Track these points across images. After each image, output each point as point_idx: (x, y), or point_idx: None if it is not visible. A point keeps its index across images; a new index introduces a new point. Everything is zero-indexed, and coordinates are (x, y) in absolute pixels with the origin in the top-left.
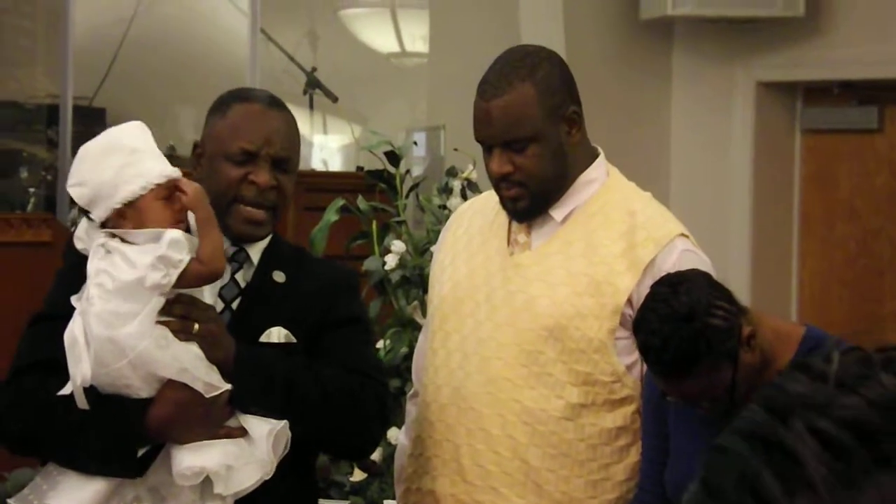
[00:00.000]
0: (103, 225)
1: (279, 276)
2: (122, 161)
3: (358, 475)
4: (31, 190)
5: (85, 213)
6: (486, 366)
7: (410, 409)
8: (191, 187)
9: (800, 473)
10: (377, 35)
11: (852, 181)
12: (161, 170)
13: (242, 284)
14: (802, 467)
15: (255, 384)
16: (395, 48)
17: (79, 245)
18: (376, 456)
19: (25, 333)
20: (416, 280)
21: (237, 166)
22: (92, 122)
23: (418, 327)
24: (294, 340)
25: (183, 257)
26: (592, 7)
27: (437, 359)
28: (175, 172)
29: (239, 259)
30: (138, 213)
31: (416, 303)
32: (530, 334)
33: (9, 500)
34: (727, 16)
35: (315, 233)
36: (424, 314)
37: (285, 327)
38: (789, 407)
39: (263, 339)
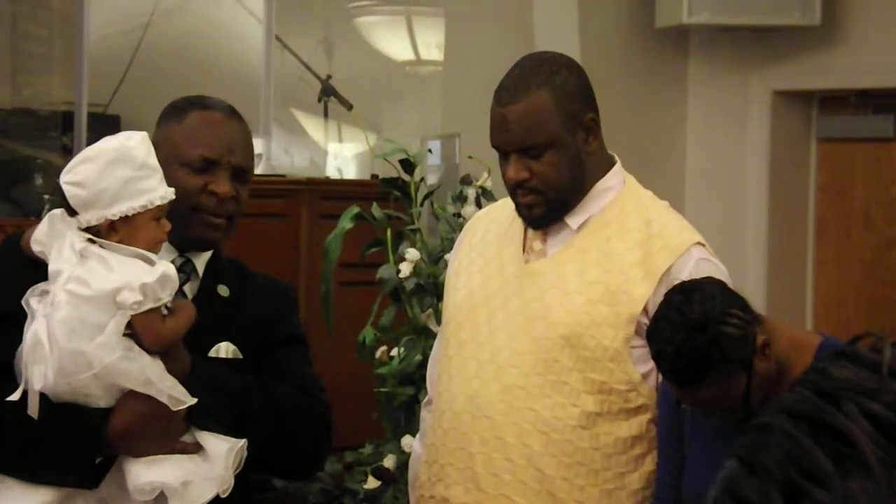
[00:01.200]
0: (87, 230)
1: (223, 290)
2: (128, 174)
3: (372, 483)
4: (46, 196)
5: (72, 211)
6: (501, 374)
7: (425, 416)
8: (191, 308)
9: (853, 454)
10: (392, 43)
11: (868, 190)
12: (164, 191)
13: (189, 297)
14: (856, 448)
15: (212, 400)
16: (411, 56)
17: (35, 248)
18: (390, 464)
19: None
20: (430, 288)
21: (196, 174)
22: (107, 129)
23: (432, 335)
24: (241, 356)
25: (164, 298)
26: (608, 15)
27: (452, 367)
28: (172, 195)
29: (186, 270)
30: (131, 228)
31: (430, 311)
32: (546, 342)
33: None
34: (743, 24)
35: (329, 240)
36: (439, 322)
37: (231, 342)
38: (840, 391)
39: (212, 354)
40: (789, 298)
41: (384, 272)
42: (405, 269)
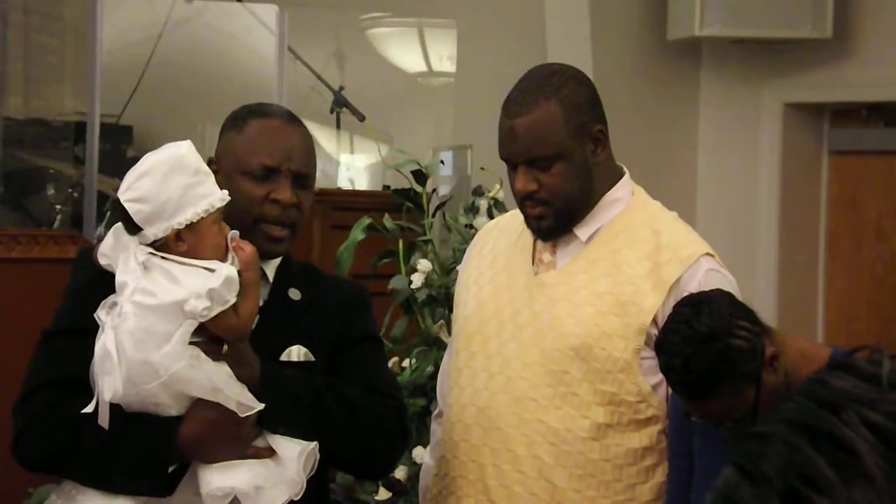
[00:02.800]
0: (152, 244)
1: (294, 294)
2: (187, 181)
3: (383, 494)
4: (58, 207)
5: (135, 228)
6: (511, 386)
7: (435, 428)
8: (249, 248)
9: (855, 464)
10: (404, 54)
11: (880, 203)
12: (222, 193)
13: (260, 303)
14: (858, 458)
15: (283, 404)
16: (423, 67)
17: (103, 261)
18: (401, 475)
19: (39, 350)
20: (441, 299)
21: (258, 183)
22: (119, 139)
23: (444, 346)
24: (313, 359)
25: (231, 299)
26: (620, 27)
27: (462, 378)
28: (228, 196)
29: None
30: (196, 236)
31: (441, 322)
32: (556, 354)
33: None
34: (755, 37)
35: (341, 251)
36: (450, 333)
37: (303, 345)
38: (839, 400)
39: (284, 357)
40: (800, 311)
41: (396, 283)
42: (417, 280)
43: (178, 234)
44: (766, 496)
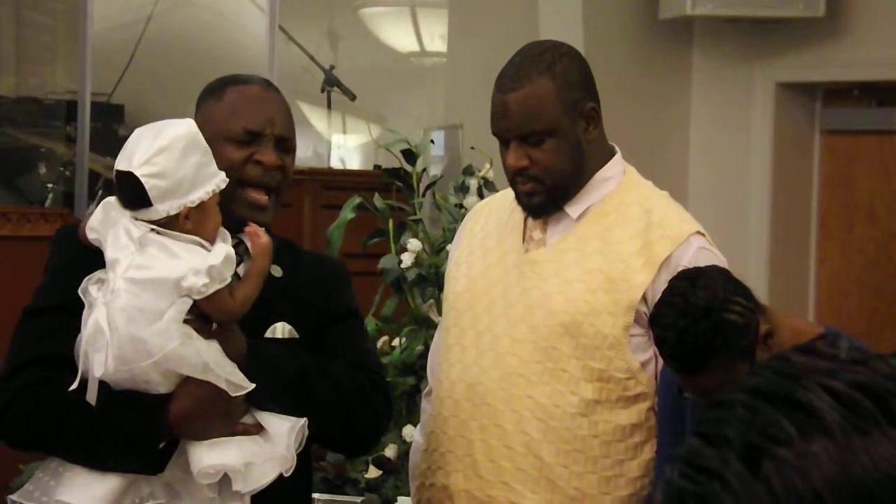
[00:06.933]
0: (157, 221)
1: (276, 271)
2: (199, 159)
3: (373, 472)
4: (50, 185)
5: (143, 203)
6: (500, 362)
7: (426, 406)
8: (266, 237)
9: (814, 422)
10: (396, 34)
11: (871, 183)
12: (223, 174)
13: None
14: (817, 416)
15: (271, 381)
16: (415, 47)
17: (91, 235)
18: (391, 453)
19: (21, 327)
20: (431, 278)
21: (240, 147)
22: (110, 118)
23: (434, 325)
24: (297, 336)
25: (229, 277)
26: (612, 6)
27: (452, 355)
28: (226, 178)
29: (239, 252)
30: (202, 214)
31: (431, 301)
32: (545, 330)
33: (11, 497)
34: (747, 16)
35: (332, 230)
36: (440, 312)
37: (287, 322)
38: (800, 370)
39: (268, 334)
40: (792, 290)
41: (386, 262)
42: (407, 259)
43: (186, 213)
44: (726, 455)
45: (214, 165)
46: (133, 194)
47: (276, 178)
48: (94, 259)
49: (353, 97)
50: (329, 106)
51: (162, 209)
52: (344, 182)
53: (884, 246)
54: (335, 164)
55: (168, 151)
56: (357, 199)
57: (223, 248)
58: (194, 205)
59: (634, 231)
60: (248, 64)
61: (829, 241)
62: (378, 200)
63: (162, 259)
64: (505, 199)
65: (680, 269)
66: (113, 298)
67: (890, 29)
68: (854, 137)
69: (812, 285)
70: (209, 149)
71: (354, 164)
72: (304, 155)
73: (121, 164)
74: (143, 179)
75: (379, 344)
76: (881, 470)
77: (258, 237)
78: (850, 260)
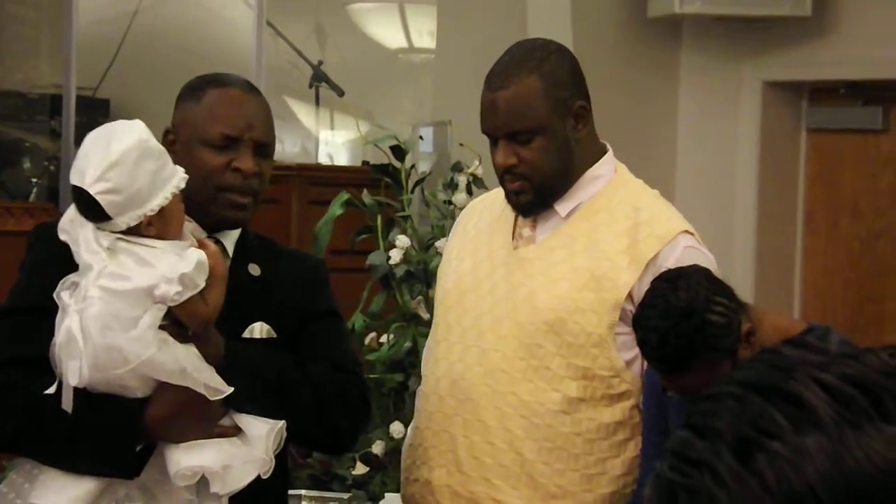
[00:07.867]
0: (124, 231)
1: (254, 269)
2: (153, 166)
3: (360, 469)
4: (34, 180)
5: (103, 217)
6: (484, 358)
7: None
8: (213, 245)
9: (806, 415)
10: (385, 30)
11: (857, 181)
12: (180, 171)
13: None
14: (808, 409)
15: (249, 384)
16: (403, 43)
17: (62, 236)
18: (378, 450)
19: None
20: (420, 275)
21: (218, 152)
22: (95, 112)
23: (422, 322)
24: (275, 336)
25: (202, 284)
26: (601, 4)
27: (439, 350)
28: (185, 175)
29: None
30: (164, 218)
31: (419, 298)
32: (530, 328)
33: None
34: (735, 14)
35: (319, 226)
36: (428, 309)
37: (265, 322)
38: (790, 364)
39: (246, 334)
40: (777, 288)
41: (374, 259)
42: (395, 255)
43: (149, 221)
44: (717, 447)
45: (170, 165)
46: (91, 210)
47: (254, 184)
48: (71, 258)
49: (341, 93)
50: (317, 102)
51: (122, 222)
52: (332, 178)
53: (868, 243)
54: (323, 160)
55: (119, 166)
56: (345, 196)
57: (194, 255)
58: (154, 212)
59: (622, 229)
60: (235, 59)
61: (814, 238)
62: (366, 197)
63: (133, 267)
64: (498, 196)
65: (666, 268)
66: (86, 306)
67: (876, 28)
68: (840, 136)
69: (798, 282)
70: (163, 150)
71: (342, 160)
72: (292, 151)
73: (74, 178)
74: (97, 197)
75: (367, 340)
76: (873, 464)
77: (207, 247)
78: (836, 257)
